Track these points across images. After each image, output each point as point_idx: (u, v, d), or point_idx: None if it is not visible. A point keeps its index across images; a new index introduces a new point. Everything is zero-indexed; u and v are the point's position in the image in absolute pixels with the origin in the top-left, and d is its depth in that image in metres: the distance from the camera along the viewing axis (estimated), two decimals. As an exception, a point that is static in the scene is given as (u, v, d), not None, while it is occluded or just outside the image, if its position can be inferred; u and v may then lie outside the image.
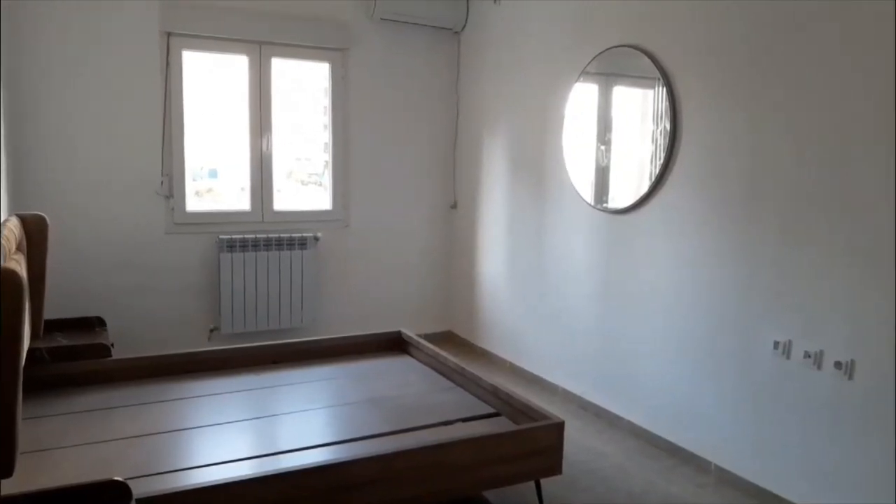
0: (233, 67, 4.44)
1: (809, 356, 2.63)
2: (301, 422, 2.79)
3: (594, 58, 3.72)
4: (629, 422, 3.57)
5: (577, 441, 3.42)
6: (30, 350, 3.01)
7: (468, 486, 2.44)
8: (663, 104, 3.28)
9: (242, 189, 4.58)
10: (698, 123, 3.13)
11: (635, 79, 3.51)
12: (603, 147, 3.71)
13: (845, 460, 2.53)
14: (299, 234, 4.61)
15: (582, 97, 3.85)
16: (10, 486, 1.86)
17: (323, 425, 2.76)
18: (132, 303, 4.22)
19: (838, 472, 2.56)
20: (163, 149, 4.22)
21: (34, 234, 2.87)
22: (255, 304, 4.50)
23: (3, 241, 2.22)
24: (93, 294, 4.09)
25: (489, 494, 2.78)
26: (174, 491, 2.00)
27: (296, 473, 2.14)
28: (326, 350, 3.72)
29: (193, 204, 4.42)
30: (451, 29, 4.99)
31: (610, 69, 3.68)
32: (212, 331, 4.48)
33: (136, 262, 4.22)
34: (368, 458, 2.26)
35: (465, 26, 4.97)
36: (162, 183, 4.23)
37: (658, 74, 3.28)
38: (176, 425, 2.70)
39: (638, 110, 3.52)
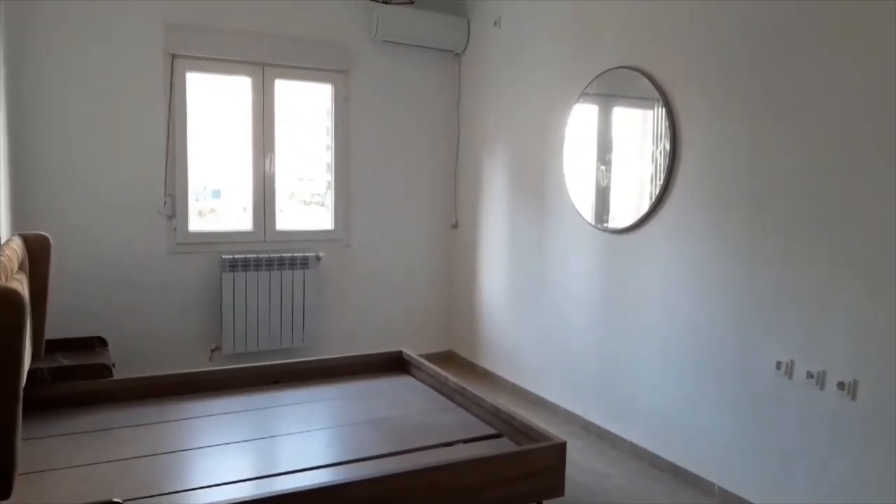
0: (236, 88, 4.48)
1: (812, 376, 2.62)
2: (301, 443, 2.78)
3: (594, 79, 3.75)
4: (631, 443, 3.55)
5: (579, 462, 3.40)
6: (31, 370, 3.01)
7: (469, 508, 2.42)
8: (663, 124, 3.30)
9: (245, 209, 4.60)
10: (698, 143, 3.15)
11: (635, 99, 3.54)
12: (603, 167, 3.72)
13: (849, 481, 2.51)
14: (301, 254, 4.62)
15: (582, 118, 3.87)
16: (9, 508, 1.85)
17: (323, 446, 2.75)
18: (134, 323, 4.23)
19: (842, 493, 2.53)
20: (166, 169, 4.25)
21: (37, 254, 2.89)
22: (256, 323, 4.50)
23: (4, 261, 2.23)
24: (94, 314, 4.10)
25: (490, 516, 2.76)
26: (173, 512, 1.99)
27: (295, 495, 2.12)
28: (327, 370, 3.72)
29: (196, 224, 4.44)
30: (451, 51, 5.04)
31: (610, 90, 3.70)
32: (213, 351, 4.48)
33: (138, 281, 4.23)
34: (368, 480, 2.24)
35: (465, 48, 5.02)
36: (165, 203, 4.25)
37: (657, 95, 3.31)
38: (176, 446, 2.69)
39: (638, 131, 3.54)
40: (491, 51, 4.76)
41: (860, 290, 2.47)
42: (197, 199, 4.48)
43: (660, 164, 3.34)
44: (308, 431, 2.90)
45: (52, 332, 3.46)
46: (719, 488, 3.05)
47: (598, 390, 3.80)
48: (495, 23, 4.68)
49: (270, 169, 4.57)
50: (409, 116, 5.03)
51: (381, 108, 4.92)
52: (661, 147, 3.32)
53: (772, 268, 2.79)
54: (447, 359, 5.23)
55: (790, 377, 2.71)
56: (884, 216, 2.39)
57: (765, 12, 2.80)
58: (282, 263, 4.55)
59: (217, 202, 4.64)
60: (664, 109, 3.28)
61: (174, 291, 4.35)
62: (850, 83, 2.49)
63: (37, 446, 2.64)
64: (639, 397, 3.51)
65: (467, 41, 4.99)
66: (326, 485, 2.20)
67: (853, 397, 2.49)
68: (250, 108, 4.50)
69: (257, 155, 4.53)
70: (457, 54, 5.09)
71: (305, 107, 4.80)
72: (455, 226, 5.25)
